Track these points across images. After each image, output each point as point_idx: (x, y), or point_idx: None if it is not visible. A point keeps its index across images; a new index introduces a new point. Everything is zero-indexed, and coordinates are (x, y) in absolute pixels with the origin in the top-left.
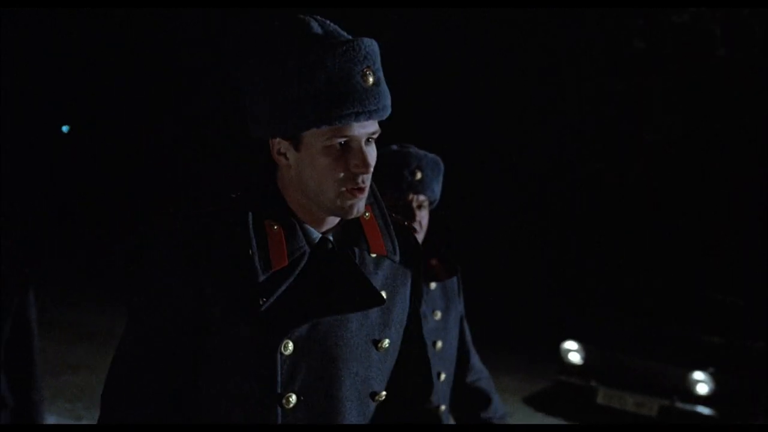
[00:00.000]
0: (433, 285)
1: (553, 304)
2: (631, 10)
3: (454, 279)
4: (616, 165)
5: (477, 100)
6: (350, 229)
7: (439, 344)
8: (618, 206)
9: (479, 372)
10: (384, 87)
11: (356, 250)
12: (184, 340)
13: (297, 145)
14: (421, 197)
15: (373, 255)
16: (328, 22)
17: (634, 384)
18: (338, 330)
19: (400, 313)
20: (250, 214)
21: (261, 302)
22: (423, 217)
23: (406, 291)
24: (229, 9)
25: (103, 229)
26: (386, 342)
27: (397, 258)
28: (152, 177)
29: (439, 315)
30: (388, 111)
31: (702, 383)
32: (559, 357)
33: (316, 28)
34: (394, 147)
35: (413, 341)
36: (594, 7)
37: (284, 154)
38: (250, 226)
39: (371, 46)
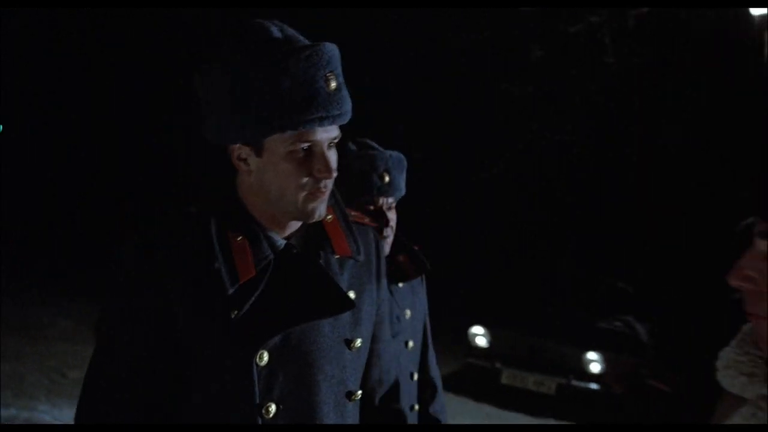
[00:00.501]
0: (401, 284)
1: (463, 291)
2: (531, 20)
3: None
4: (520, 162)
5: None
6: (313, 232)
7: (411, 344)
8: (524, 198)
9: (433, 367)
10: (345, 92)
11: (321, 253)
12: (158, 362)
13: (259, 151)
14: (390, 200)
15: (338, 256)
16: (286, 26)
17: (534, 365)
18: (311, 335)
19: (369, 311)
20: (212, 227)
21: (233, 315)
22: (392, 218)
23: (373, 288)
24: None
25: (43, 224)
26: (358, 341)
27: (362, 257)
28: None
29: (408, 314)
30: (349, 116)
31: (594, 362)
32: (467, 341)
33: (276, 32)
34: (353, 147)
35: (380, 339)
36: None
37: (245, 160)
38: (214, 240)
39: (333, 51)
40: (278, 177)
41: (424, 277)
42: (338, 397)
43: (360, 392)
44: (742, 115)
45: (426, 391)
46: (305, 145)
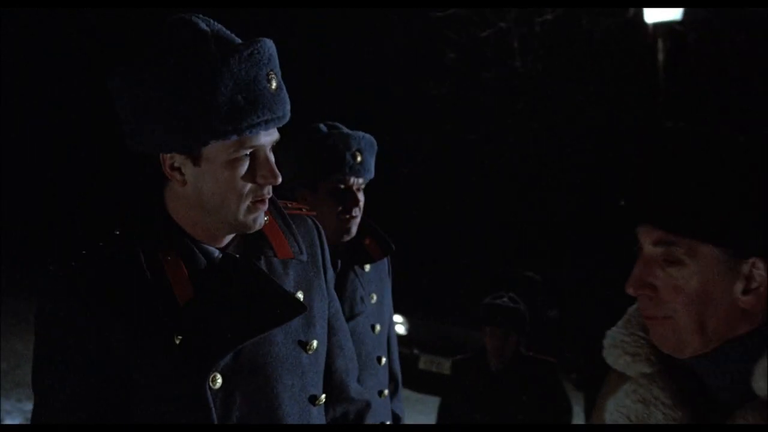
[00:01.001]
0: (367, 267)
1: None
2: (446, 25)
3: (385, 260)
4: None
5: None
6: (252, 238)
7: (378, 328)
8: (440, 196)
9: (396, 359)
10: (285, 91)
11: (262, 258)
12: (104, 402)
13: (196, 159)
14: (360, 180)
15: (280, 259)
16: (212, 21)
17: (450, 350)
18: (265, 347)
19: (321, 308)
20: (140, 249)
21: (177, 341)
22: (361, 199)
23: (321, 282)
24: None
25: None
26: (314, 343)
27: (305, 256)
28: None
29: (375, 298)
30: (289, 116)
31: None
32: None
33: (204, 27)
34: (324, 129)
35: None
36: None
37: (178, 169)
38: (144, 264)
39: (272, 47)
40: (218, 186)
41: (390, 262)
42: (302, 405)
43: (324, 396)
44: (635, 120)
45: (390, 383)
46: (248, 150)
